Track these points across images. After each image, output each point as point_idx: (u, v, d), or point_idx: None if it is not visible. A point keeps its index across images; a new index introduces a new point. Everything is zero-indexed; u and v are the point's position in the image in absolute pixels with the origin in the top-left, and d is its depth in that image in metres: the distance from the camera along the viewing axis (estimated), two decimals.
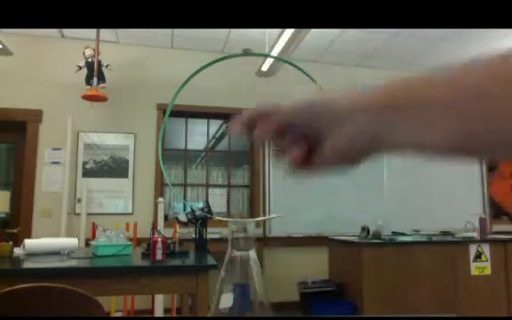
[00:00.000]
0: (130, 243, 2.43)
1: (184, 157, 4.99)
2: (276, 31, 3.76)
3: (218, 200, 5.03)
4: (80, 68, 4.20)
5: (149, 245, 2.30)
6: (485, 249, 3.88)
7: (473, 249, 3.85)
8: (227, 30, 4.53)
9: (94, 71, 4.13)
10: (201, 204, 4.74)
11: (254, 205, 4.98)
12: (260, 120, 0.35)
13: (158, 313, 4.05)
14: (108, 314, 4.13)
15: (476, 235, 4.12)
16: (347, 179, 5.14)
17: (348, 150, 0.33)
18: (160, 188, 4.71)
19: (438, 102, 0.28)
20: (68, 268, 1.98)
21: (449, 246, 3.81)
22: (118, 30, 4.51)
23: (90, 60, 4.19)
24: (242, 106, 5.06)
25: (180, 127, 5.05)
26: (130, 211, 4.58)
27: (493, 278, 3.86)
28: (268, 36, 4.36)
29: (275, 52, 3.78)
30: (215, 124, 5.22)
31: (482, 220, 4.13)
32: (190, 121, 5.08)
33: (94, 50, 4.17)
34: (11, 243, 2.29)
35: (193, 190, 4.98)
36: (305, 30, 3.39)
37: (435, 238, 4.04)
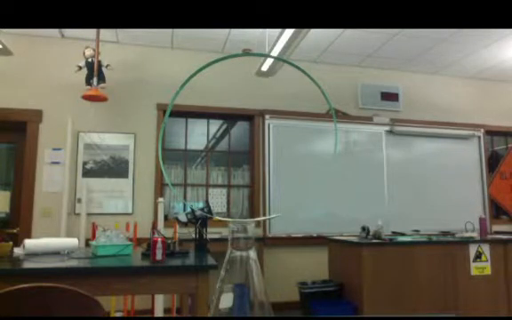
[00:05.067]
0: (130, 243, 2.43)
1: (184, 157, 4.99)
2: (276, 31, 3.77)
3: (218, 200, 5.03)
4: (80, 68, 4.20)
5: (149, 245, 2.30)
6: (485, 249, 3.88)
7: (473, 249, 3.85)
8: (227, 30, 4.53)
9: (94, 71, 4.13)
10: (201, 204, 4.74)
11: (254, 205, 4.98)
12: None
13: (158, 313, 4.05)
14: (107, 314, 4.14)
15: (476, 235, 4.12)
16: (347, 179, 5.15)
17: None
18: (160, 187, 4.71)
19: None
20: (68, 268, 1.98)
21: (449, 246, 3.81)
22: (118, 30, 4.51)
23: (90, 60, 4.19)
24: (242, 106, 5.07)
25: (180, 127, 5.05)
26: (130, 211, 4.58)
27: (493, 278, 3.86)
28: (268, 35, 4.37)
29: (275, 52, 3.78)
30: (215, 124, 5.22)
31: (482, 220, 4.12)
32: (190, 121, 5.08)
33: (94, 50, 4.17)
34: (11, 243, 2.29)
35: (193, 190, 4.98)
36: (305, 30, 3.39)
37: (435, 238, 4.04)
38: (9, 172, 4.67)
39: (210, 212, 2.81)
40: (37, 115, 4.49)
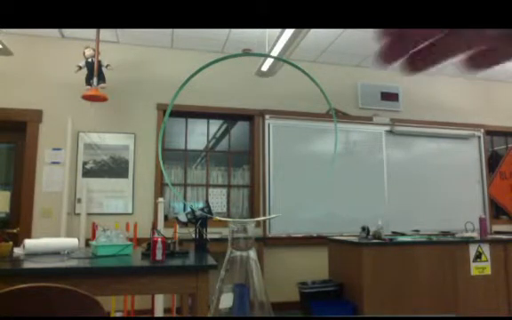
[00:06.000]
0: (130, 243, 2.43)
1: (184, 157, 4.99)
2: (276, 31, 3.76)
3: (218, 200, 5.03)
4: (80, 68, 4.20)
5: (149, 245, 2.30)
6: (485, 249, 3.88)
7: (473, 249, 3.85)
8: (227, 30, 4.53)
9: (94, 71, 4.13)
10: (201, 204, 4.74)
11: (254, 205, 4.98)
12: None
13: (158, 313, 4.05)
14: (108, 314, 4.14)
15: (476, 235, 4.12)
16: (347, 179, 5.14)
17: None
18: (160, 187, 4.71)
19: None
20: (68, 268, 1.98)
21: (449, 246, 3.81)
22: (118, 30, 4.51)
23: (90, 60, 4.19)
24: (242, 106, 5.07)
25: (180, 127, 5.05)
26: (130, 211, 4.58)
27: (493, 278, 3.86)
28: (268, 35, 4.36)
29: (275, 52, 3.78)
30: (215, 124, 5.22)
31: (482, 220, 4.12)
32: (190, 121, 5.08)
33: (94, 50, 4.17)
34: (11, 243, 2.29)
35: (193, 190, 4.98)
36: (305, 30, 3.39)
37: (435, 238, 4.04)
38: (9, 172, 4.67)
39: (210, 212, 2.81)
40: (37, 115, 4.48)
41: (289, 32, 3.43)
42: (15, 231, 4.32)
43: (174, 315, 4.32)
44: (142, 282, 2.03)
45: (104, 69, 4.25)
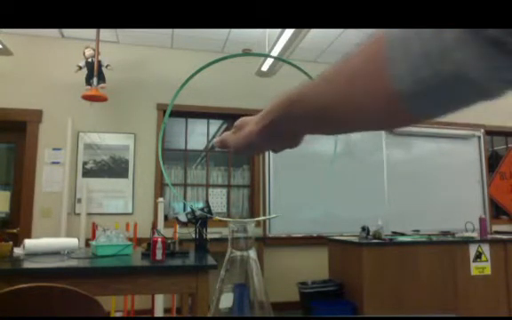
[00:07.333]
0: (130, 243, 2.43)
1: (184, 157, 4.99)
2: (276, 31, 3.76)
3: (218, 200, 5.03)
4: (80, 68, 4.20)
5: (149, 245, 2.31)
6: (485, 249, 3.88)
7: (473, 249, 3.85)
8: (227, 30, 4.53)
9: (94, 71, 4.13)
10: (201, 204, 4.74)
11: (254, 205, 4.98)
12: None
13: (158, 313, 4.05)
14: (108, 314, 4.14)
15: (476, 235, 4.12)
16: (347, 179, 5.14)
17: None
18: (160, 187, 4.71)
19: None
20: (68, 268, 1.98)
21: (449, 246, 3.81)
22: (118, 30, 4.51)
23: (90, 60, 4.19)
24: (242, 106, 5.06)
25: (180, 127, 5.05)
26: (130, 211, 4.58)
27: (493, 278, 3.86)
28: (268, 35, 4.36)
29: (275, 52, 3.78)
30: (215, 124, 5.22)
31: (482, 220, 4.12)
32: (190, 121, 5.08)
33: (94, 50, 4.17)
34: (11, 243, 2.29)
35: (193, 190, 4.98)
36: (305, 30, 3.39)
37: (435, 238, 4.04)
38: (9, 172, 4.67)
39: (210, 212, 2.81)
40: (37, 115, 4.48)
41: (289, 32, 3.43)
42: (15, 231, 4.33)
43: (174, 315, 4.32)
44: (142, 282, 2.03)
45: (104, 69, 4.25)
